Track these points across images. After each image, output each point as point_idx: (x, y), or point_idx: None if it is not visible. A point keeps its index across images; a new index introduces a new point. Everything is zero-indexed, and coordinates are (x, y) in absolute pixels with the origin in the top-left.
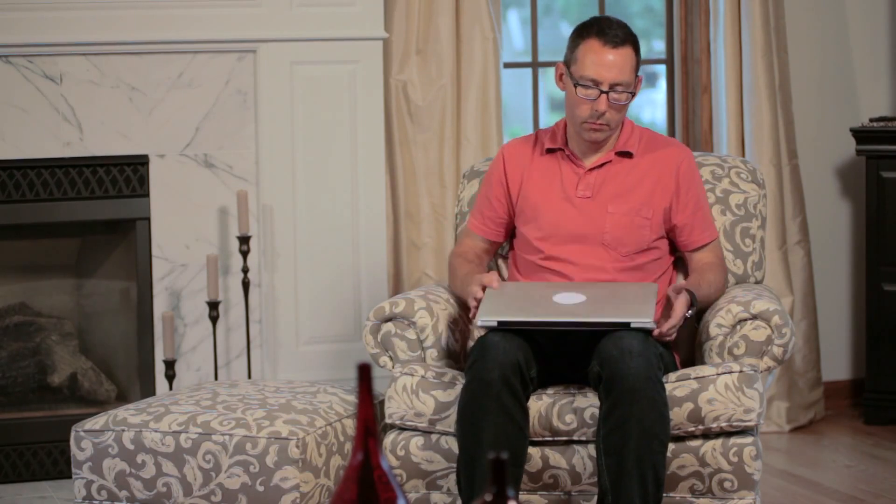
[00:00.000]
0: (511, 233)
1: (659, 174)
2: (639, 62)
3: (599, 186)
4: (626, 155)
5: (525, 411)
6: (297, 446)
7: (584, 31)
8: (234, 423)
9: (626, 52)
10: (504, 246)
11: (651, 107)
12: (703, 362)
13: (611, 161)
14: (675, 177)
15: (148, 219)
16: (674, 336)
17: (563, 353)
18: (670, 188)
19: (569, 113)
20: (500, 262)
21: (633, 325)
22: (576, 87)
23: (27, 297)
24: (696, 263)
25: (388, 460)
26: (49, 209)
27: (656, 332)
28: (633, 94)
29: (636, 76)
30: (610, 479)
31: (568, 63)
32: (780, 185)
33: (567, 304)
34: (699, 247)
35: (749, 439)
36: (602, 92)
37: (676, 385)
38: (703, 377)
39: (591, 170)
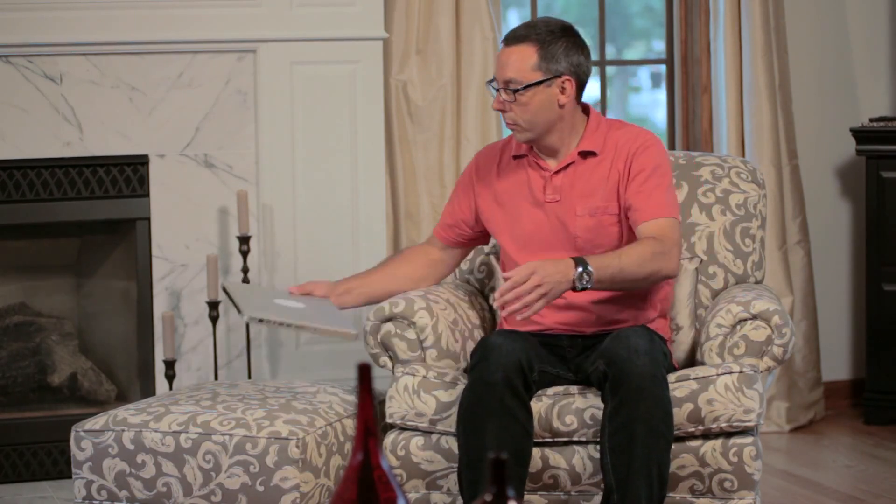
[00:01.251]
0: (484, 238)
1: (617, 165)
2: (547, 60)
3: (566, 189)
4: (590, 154)
5: (529, 412)
6: (297, 446)
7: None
8: (235, 423)
9: (520, 49)
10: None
11: (654, 107)
12: (702, 362)
13: (574, 162)
14: (627, 161)
15: (148, 219)
16: (516, 306)
17: (561, 357)
18: (624, 175)
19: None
20: (494, 259)
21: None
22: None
23: (27, 297)
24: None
25: (388, 460)
26: (49, 209)
27: (496, 299)
28: (548, 90)
29: (551, 75)
30: (616, 477)
31: None
32: (780, 186)
33: (288, 306)
34: (642, 223)
35: (749, 439)
36: (496, 89)
37: (676, 386)
38: (703, 378)
39: (557, 172)
